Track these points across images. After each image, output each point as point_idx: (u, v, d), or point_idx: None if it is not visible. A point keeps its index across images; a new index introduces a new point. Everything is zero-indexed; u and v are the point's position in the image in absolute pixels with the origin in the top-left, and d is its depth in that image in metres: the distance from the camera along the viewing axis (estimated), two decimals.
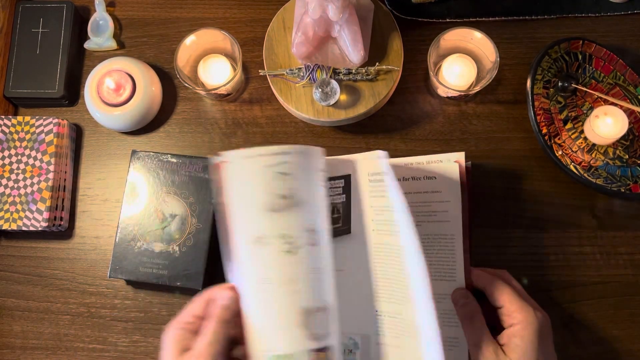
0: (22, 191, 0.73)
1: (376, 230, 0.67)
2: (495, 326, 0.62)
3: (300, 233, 0.57)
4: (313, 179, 0.59)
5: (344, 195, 0.67)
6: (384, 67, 0.72)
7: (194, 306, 0.58)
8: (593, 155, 0.71)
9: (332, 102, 0.70)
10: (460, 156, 0.67)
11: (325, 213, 0.60)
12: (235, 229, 0.57)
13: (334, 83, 0.70)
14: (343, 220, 0.67)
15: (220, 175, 0.58)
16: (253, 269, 0.56)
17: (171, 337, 0.55)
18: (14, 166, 0.74)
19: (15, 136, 0.75)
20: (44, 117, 0.75)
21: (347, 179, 0.69)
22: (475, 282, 0.64)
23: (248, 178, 0.57)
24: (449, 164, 0.67)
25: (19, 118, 0.75)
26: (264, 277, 0.56)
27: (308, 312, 0.56)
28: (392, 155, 0.74)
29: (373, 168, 0.66)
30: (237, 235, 0.57)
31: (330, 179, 0.67)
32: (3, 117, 0.75)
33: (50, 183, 0.73)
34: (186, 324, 0.56)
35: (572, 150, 0.71)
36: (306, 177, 0.59)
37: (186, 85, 0.73)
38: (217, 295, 0.57)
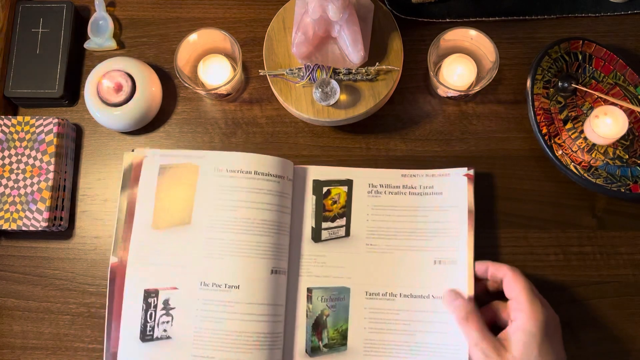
0: (22, 191, 0.73)
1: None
2: (497, 326, 0.63)
3: None
4: None
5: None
6: (384, 67, 0.72)
7: None
8: (593, 155, 0.71)
9: (332, 102, 0.70)
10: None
11: None
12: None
13: (334, 83, 0.70)
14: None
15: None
16: None
17: None
18: (14, 166, 0.74)
19: (15, 136, 0.75)
20: (44, 117, 0.75)
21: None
22: (494, 272, 0.65)
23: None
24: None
25: (19, 118, 0.75)
26: None
27: None
28: (392, 156, 0.75)
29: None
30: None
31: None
32: (3, 117, 0.75)
33: (50, 183, 0.73)
34: None
35: (572, 150, 0.71)
36: None
37: (186, 85, 0.73)
38: None
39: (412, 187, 0.71)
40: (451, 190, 0.70)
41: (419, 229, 0.70)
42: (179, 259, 0.69)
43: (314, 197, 0.72)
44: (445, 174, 0.71)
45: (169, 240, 0.69)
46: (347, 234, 0.71)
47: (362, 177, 0.72)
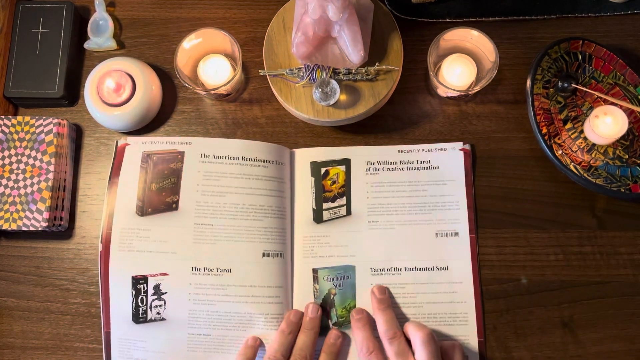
0: (22, 191, 0.73)
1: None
2: None
3: None
4: None
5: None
6: (384, 67, 0.72)
7: None
8: (593, 155, 0.71)
9: (332, 102, 0.70)
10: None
11: None
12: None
13: (334, 83, 0.70)
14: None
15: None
16: None
17: None
18: (14, 166, 0.74)
19: (15, 136, 0.75)
20: (44, 117, 0.75)
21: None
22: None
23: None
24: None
25: (19, 118, 0.75)
26: None
27: None
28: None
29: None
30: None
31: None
32: (3, 117, 0.75)
33: (50, 183, 0.73)
34: None
35: (572, 150, 0.71)
36: None
37: (186, 85, 0.73)
38: None
39: (409, 162, 0.73)
40: (448, 165, 0.72)
41: (418, 203, 0.71)
42: (168, 245, 0.70)
43: (313, 178, 0.72)
44: (442, 149, 0.73)
45: (156, 227, 0.70)
46: (349, 212, 0.71)
47: (359, 155, 0.74)
